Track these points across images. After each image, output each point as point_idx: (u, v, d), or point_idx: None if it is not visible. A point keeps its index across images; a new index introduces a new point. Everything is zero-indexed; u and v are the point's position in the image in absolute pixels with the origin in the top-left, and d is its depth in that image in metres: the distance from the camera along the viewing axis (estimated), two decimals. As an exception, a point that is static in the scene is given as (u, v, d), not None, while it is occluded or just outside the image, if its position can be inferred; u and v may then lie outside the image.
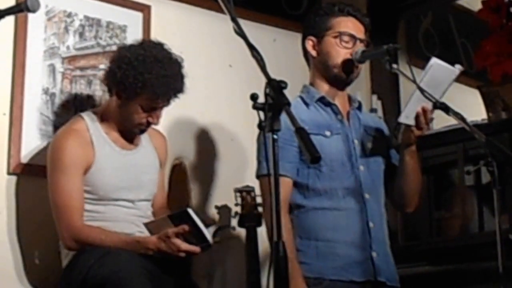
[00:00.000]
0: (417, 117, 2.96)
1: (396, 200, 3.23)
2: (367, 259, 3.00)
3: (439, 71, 2.96)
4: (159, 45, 3.23)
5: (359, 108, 3.21)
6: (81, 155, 3.12)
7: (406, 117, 2.99)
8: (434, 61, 2.95)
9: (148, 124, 3.19)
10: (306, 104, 3.12)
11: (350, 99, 3.20)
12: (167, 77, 3.11)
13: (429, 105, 2.93)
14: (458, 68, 2.99)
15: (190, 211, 2.96)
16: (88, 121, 3.22)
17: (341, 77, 3.09)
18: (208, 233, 3.01)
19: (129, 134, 3.26)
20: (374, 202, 3.06)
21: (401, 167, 3.12)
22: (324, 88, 3.14)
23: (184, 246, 2.97)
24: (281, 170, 2.79)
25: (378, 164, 3.14)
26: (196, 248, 3.00)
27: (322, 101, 3.11)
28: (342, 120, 3.11)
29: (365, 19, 3.14)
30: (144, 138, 3.32)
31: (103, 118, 3.24)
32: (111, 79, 3.17)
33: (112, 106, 3.22)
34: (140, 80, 3.07)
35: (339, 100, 3.14)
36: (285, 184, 2.92)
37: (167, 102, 3.20)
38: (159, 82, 3.09)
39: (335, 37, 3.09)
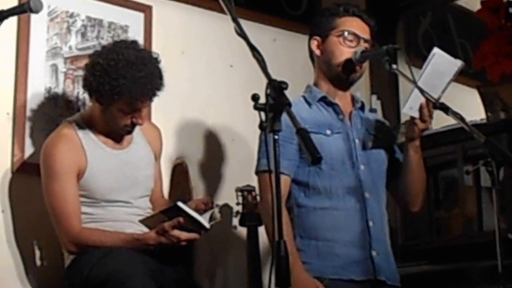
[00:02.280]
0: (420, 109, 2.96)
1: (401, 199, 3.24)
2: (367, 258, 3.00)
3: (441, 62, 2.96)
4: (132, 45, 3.18)
5: (362, 108, 3.22)
6: (73, 160, 3.12)
7: (410, 108, 2.98)
8: (437, 50, 2.97)
9: (133, 125, 3.17)
10: (308, 103, 3.13)
11: (353, 100, 3.21)
12: (142, 78, 3.06)
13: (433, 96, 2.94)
14: (459, 61, 3.01)
15: (180, 204, 2.98)
16: (76, 125, 3.21)
17: (342, 76, 3.11)
18: (203, 219, 3.03)
19: (118, 134, 3.25)
20: (374, 202, 3.07)
21: (406, 163, 3.13)
22: (326, 88, 3.15)
23: (184, 235, 3.00)
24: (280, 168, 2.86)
25: (380, 164, 3.15)
26: (195, 235, 3.04)
27: (324, 100, 3.13)
28: (344, 119, 3.12)
29: (370, 20, 3.15)
30: (136, 134, 3.30)
31: (90, 121, 3.22)
32: (88, 87, 3.15)
33: (96, 110, 3.20)
34: (116, 86, 3.04)
35: (342, 100, 3.15)
36: (283, 181, 2.93)
37: (148, 102, 3.19)
38: (135, 85, 3.05)
39: (339, 36, 3.10)
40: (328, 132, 3.06)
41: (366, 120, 3.19)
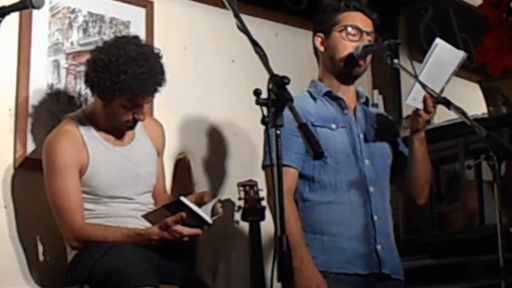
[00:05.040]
0: (424, 100, 2.95)
1: (407, 192, 3.24)
2: (372, 252, 3.01)
3: (444, 52, 2.96)
4: (134, 41, 3.18)
5: (366, 103, 3.23)
6: (75, 156, 3.12)
7: (414, 100, 2.97)
8: (439, 41, 2.96)
9: (135, 121, 3.17)
10: (314, 98, 3.15)
11: (358, 95, 3.22)
12: (144, 74, 3.06)
13: (436, 88, 2.93)
14: (462, 52, 3.00)
15: (182, 199, 2.98)
16: (78, 122, 3.21)
17: (345, 71, 3.12)
18: (205, 215, 3.04)
19: (120, 131, 3.25)
20: (378, 196, 3.08)
21: (411, 155, 3.12)
22: (331, 83, 3.16)
23: (186, 231, 3.00)
24: (286, 161, 2.86)
25: (384, 159, 3.16)
26: (198, 231, 3.04)
27: (329, 95, 3.14)
28: (348, 114, 3.13)
29: (372, 13, 3.16)
30: (138, 130, 3.31)
31: (92, 117, 3.23)
32: (89, 83, 3.14)
33: (98, 106, 3.21)
34: (117, 81, 3.04)
35: (346, 95, 3.16)
36: (291, 175, 2.96)
37: (149, 98, 3.18)
38: (136, 81, 3.04)
39: (341, 30, 3.11)
40: (333, 126, 3.08)
41: (370, 114, 3.20)
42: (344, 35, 3.11)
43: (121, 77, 3.03)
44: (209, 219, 3.04)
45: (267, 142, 3.03)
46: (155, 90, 3.15)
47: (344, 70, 3.12)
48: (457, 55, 3.00)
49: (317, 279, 2.90)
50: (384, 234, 3.06)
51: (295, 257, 2.82)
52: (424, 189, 3.22)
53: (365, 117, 3.17)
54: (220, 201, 3.73)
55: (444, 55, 2.97)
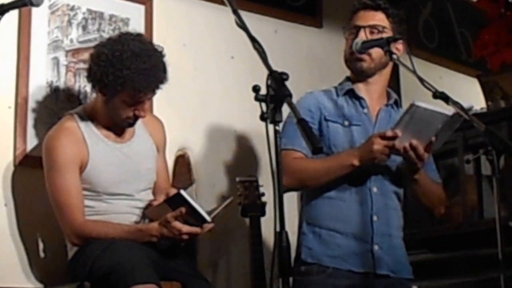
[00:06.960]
0: (405, 152, 2.92)
1: (422, 205, 3.28)
2: (367, 252, 3.03)
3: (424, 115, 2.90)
4: (138, 37, 3.18)
5: (397, 105, 3.24)
6: (75, 153, 3.13)
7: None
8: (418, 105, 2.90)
9: (136, 117, 3.17)
10: (337, 94, 3.19)
11: (388, 96, 3.23)
12: (147, 70, 3.06)
13: (417, 141, 2.90)
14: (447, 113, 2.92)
15: (182, 192, 2.99)
16: (79, 118, 3.21)
17: (351, 68, 3.18)
18: (204, 213, 3.04)
19: (120, 127, 3.26)
20: (381, 196, 3.08)
21: (412, 189, 3.16)
22: (355, 83, 3.20)
23: (185, 228, 3.00)
24: (297, 146, 2.99)
25: (393, 161, 3.10)
26: (197, 229, 3.05)
27: (351, 93, 3.17)
28: (368, 114, 3.15)
29: (376, 4, 3.18)
30: (138, 127, 3.31)
31: (92, 114, 3.23)
32: (92, 78, 3.14)
33: (99, 102, 3.21)
34: (119, 76, 3.04)
35: (370, 95, 3.18)
36: (301, 157, 3.03)
37: (151, 95, 3.18)
38: (138, 77, 3.04)
39: (346, 34, 3.21)
40: (346, 123, 3.11)
41: (395, 117, 3.18)
42: (346, 38, 3.19)
43: (124, 72, 3.04)
44: (207, 217, 3.05)
45: (284, 129, 3.03)
46: (157, 87, 3.16)
47: (351, 67, 3.19)
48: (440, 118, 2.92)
49: (367, 146, 2.94)
50: (383, 234, 3.07)
51: (346, 160, 2.97)
52: (437, 208, 3.25)
53: (388, 119, 3.18)
54: (223, 197, 3.74)
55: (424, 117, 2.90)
